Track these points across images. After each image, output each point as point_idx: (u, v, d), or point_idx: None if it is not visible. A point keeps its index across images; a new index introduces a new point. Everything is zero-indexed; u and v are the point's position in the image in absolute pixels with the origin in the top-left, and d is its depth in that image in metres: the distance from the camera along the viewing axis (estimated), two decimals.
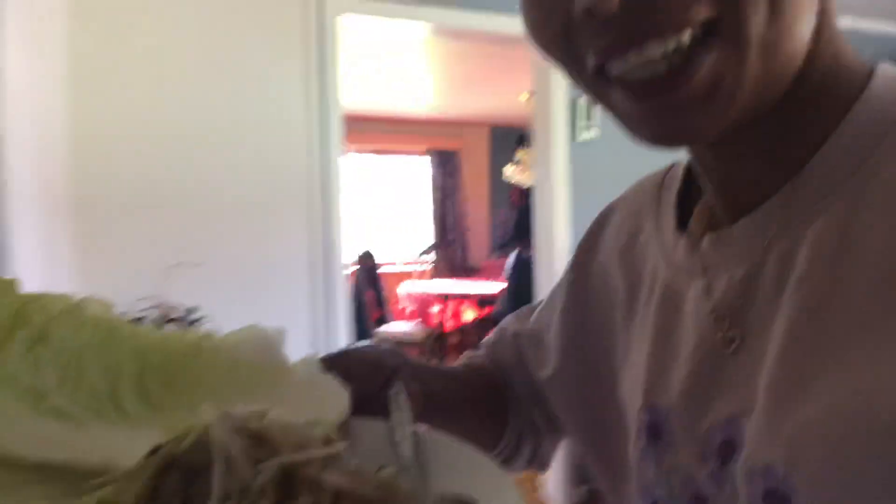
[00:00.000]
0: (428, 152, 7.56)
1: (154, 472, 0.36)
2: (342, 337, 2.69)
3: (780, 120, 0.44)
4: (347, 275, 2.83)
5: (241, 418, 0.37)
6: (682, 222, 0.56)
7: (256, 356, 0.51)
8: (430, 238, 7.59)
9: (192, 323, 2.24)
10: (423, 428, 0.50)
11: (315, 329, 2.63)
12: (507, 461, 0.73)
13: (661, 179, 0.61)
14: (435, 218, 7.68)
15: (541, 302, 0.74)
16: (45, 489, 0.39)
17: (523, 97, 4.77)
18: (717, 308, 0.49)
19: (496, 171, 7.01)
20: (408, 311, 6.22)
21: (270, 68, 2.56)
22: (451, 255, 7.61)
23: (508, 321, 0.76)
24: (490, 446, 0.72)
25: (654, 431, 0.54)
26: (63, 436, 0.43)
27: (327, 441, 0.39)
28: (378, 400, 0.53)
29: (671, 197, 0.58)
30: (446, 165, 7.62)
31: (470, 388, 0.71)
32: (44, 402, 0.44)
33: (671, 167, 0.61)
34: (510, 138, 6.40)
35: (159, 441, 0.38)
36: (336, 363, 0.54)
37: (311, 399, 0.47)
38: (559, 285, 0.70)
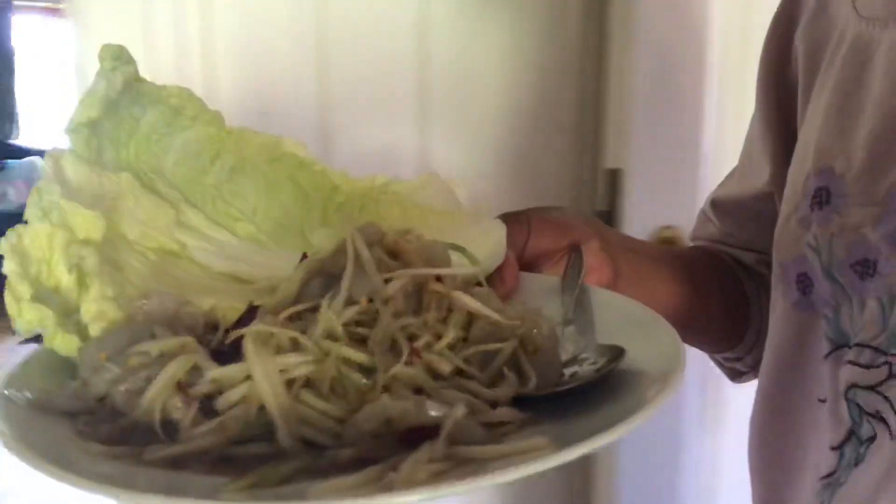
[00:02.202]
0: None
1: (301, 277, 0.37)
2: None
3: None
4: None
5: (379, 231, 0.37)
6: None
7: (433, 200, 0.51)
8: None
9: None
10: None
11: None
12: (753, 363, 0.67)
13: None
14: None
15: None
16: (229, 294, 0.43)
17: None
18: None
19: None
20: None
21: None
22: None
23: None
24: (730, 342, 0.67)
25: (822, 196, 0.50)
26: (248, 255, 0.46)
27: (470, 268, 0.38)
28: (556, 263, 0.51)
29: None
30: None
31: (697, 272, 0.65)
32: (235, 226, 0.48)
33: None
34: None
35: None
36: (517, 218, 0.52)
37: (473, 239, 0.46)
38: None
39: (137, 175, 0.45)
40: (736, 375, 0.71)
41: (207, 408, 0.31)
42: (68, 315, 0.38)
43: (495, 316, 0.36)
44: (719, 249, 0.69)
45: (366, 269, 0.35)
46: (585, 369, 0.36)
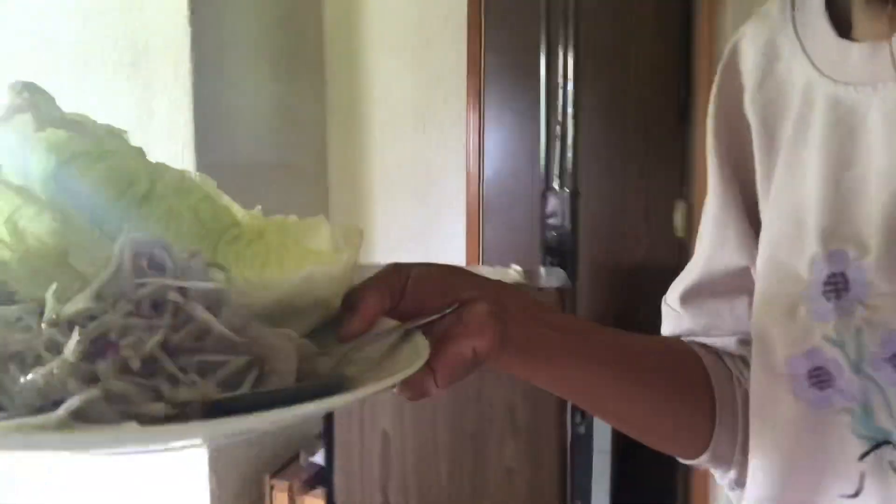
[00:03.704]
0: None
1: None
2: None
3: None
4: None
5: (156, 244, 0.42)
6: (840, 31, 0.49)
7: (315, 241, 0.55)
8: None
9: None
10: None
11: None
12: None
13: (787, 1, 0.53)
14: None
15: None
16: None
17: None
18: None
19: None
20: None
21: None
22: None
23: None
24: (690, 442, 0.61)
25: (839, 284, 0.46)
26: None
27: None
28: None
29: (815, 6, 0.50)
30: None
31: (639, 360, 0.60)
32: None
33: None
34: None
35: None
36: (398, 268, 0.53)
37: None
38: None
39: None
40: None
41: None
42: None
43: (223, 330, 0.38)
44: (682, 341, 0.65)
45: (121, 274, 0.40)
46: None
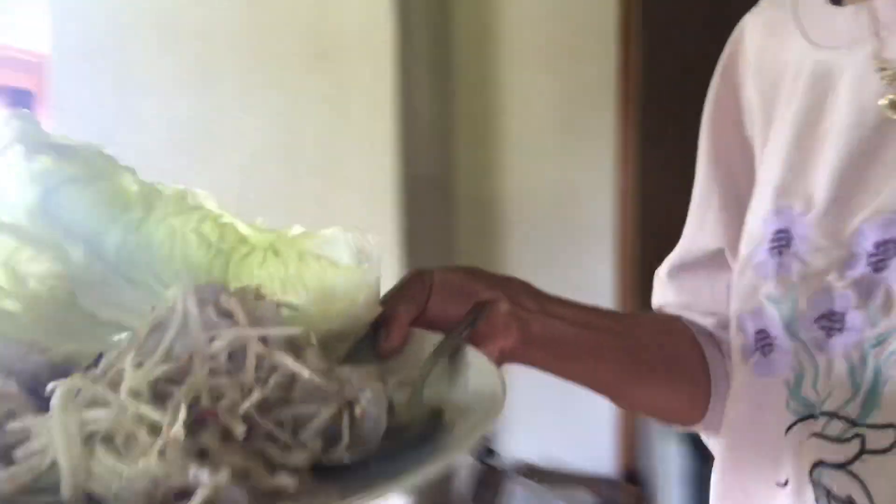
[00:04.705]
0: None
1: (146, 330, 0.39)
2: None
3: None
4: None
5: (217, 289, 0.39)
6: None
7: (333, 252, 0.52)
8: None
9: None
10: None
11: None
12: None
13: None
14: None
15: None
16: (99, 341, 0.45)
17: None
18: (891, 65, 0.42)
19: None
20: None
21: None
22: None
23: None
24: (690, 415, 0.62)
25: (781, 240, 0.46)
26: (138, 304, 0.48)
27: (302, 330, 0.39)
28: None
29: None
30: None
31: (641, 340, 0.60)
32: (135, 273, 0.50)
33: None
34: None
35: None
36: (419, 276, 0.52)
37: (352, 291, 0.47)
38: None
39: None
40: None
41: (9, 457, 0.33)
42: None
43: (313, 377, 0.36)
44: (679, 317, 0.67)
45: (190, 327, 0.36)
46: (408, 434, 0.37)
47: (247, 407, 0.34)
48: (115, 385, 0.34)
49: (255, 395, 0.34)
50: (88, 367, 0.39)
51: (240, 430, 0.33)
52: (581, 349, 0.56)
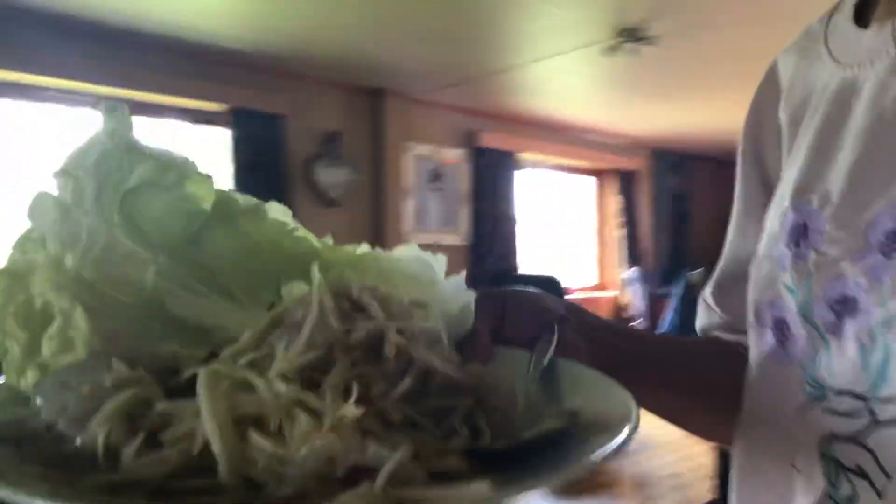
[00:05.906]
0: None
1: (262, 327, 0.38)
2: None
3: None
4: None
5: (346, 285, 0.38)
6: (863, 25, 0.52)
7: (409, 268, 0.52)
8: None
9: None
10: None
11: None
12: None
13: (829, 13, 0.57)
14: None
15: None
16: (193, 343, 0.43)
17: None
18: None
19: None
20: None
21: None
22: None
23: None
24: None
25: (798, 232, 0.48)
26: (220, 308, 0.47)
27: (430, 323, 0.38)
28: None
29: (847, 5, 0.54)
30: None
31: (697, 363, 0.63)
32: (214, 279, 0.48)
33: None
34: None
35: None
36: (492, 294, 0.52)
37: (442, 302, 0.47)
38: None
39: (117, 225, 0.46)
40: None
41: (155, 441, 0.31)
42: (31, 353, 0.39)
43: (453, 372, 0.36)
44: (727, 339, 0.68)
45: (328, 319, 0.36)
46: (541, 429, 0.36)
47: (398, 395, 0.33)
48: (261, 371, 0.33)
49: (405, 384, 0.34)
50: (207, 360, 0.37)
51: (397, 415, 0.32)
52: (638, 368, 0.56)
